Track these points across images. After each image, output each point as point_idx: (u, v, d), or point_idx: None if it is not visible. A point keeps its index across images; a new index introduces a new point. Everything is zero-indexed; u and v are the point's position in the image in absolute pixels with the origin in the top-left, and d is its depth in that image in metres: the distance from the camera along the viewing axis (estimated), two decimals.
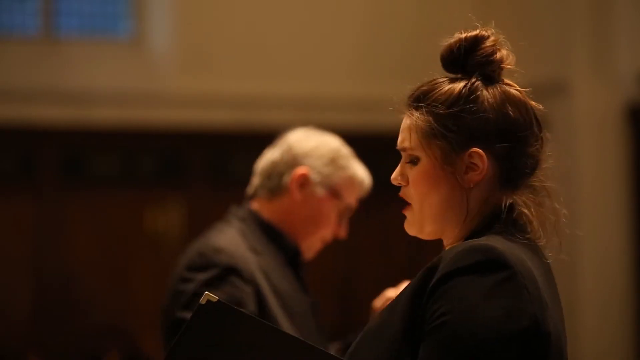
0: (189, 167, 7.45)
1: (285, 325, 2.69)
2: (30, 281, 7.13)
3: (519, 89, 1.87)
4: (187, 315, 2.52)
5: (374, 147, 5.42)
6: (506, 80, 1.87)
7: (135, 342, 6.99)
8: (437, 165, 1.82)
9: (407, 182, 1.86)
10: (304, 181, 2.86)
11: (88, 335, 7.05)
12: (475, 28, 1.86)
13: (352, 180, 2.91)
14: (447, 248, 1.82)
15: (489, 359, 1.63)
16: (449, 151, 1.81)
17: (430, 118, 1.82)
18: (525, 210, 1.83)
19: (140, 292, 7.10)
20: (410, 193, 1.86)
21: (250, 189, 2.93)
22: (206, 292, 1.63)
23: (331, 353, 1.70)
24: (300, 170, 2.86)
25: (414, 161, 1.85)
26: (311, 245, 2.93)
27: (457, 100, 1.82)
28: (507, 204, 1.82)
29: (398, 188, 1.89)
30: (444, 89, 1.84)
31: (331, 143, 2.93)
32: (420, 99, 1.85)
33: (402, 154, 1.87)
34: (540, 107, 1.88)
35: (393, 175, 1.88)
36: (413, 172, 1.85)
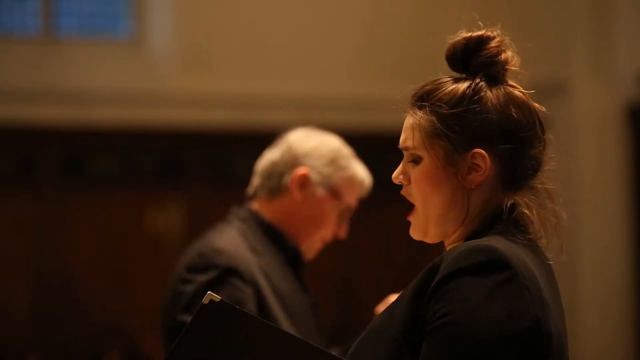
0: (189, 167, 7.45)
1: (286, 325, 2.69)
2: (30, 281, 7.13)
3: (522, 90, 1.87)
4: (187, 318, 2.53)
5: (374, 147, 5.42)
6: (510, 82, 1.87)
7: (135, 342, 6.99)
8: (439, 165, 1.82)
9: (409, 181, 1.86)
10: (304, 181, 2.86)
11: (88, 335, 7.05)
12: (480, 28, 1.86)
13: (352, 181, 2.91)
14: (448, 248, 1.82)
15: (490, 359, 1.63)
16: (451, 151, 1.81)
17: (434, 118, 1.82)
18: (527, 211, 1.83)
19: (140, 292, 7.10)
20: (411, 192, 1.86)
21: (250, 189, 2.93)
22: (209, 292, 1.63)
23: (333, 353, 1.70)
24: (301, 170, 2.86)
25: (416, 160, 1.84)
26: (311, 246, 2.93)
27: (461, 101, 1.82)
28: (508, 205, 1.82)
29: (398, 188, 1.89)
30: (447, 89, 1.83)
31: (331, 143, 2.93)
32: (424, 98, 1.84)
33: (404, 153, 1.87)
34: (543, 109, 1.88)
35: (394, 174, 1.88)
36: (415, 172, 1.85)
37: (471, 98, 1.82)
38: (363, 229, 6.46)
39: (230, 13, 7.39)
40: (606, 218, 6.75)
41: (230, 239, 2.79)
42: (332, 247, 3.18)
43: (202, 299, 1.62)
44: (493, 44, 1.85)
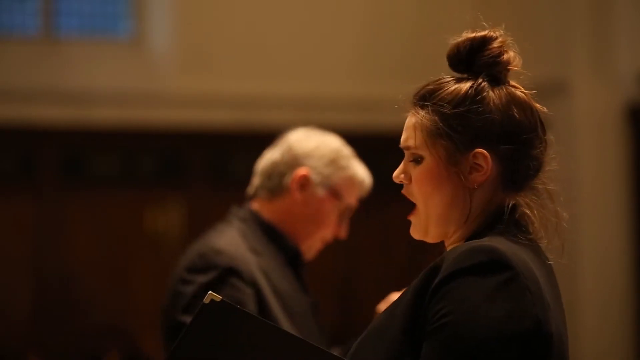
0: (189, 167, 7.45)
1: (286, 325, 2.69)
2: (30, 281, 7.13)
3: (524, 91, 1.86)
4: (187, 318, 2.54)
5: (374, 147, 5.42)
6: (512, 82, 1.87)
7: (135, 342, 6.99)
8: (441, 165, 1.81)
9: (410, 181, 1.86)
10: (305, 182, 2.86)
11: (88, 335, 7.04)
12: (483, 28, 1.86)
13: (352, 181, 2.91)
14: (449, 248, 1.82)
15: (490, 359, 1.63)
16: (453, 151, 1.81)
17: (436, 117, 1.82)
18: (528, 212, 1.83)
19: (140, 292, 7.09)
20: (412, 191, 1.86)
21: (250, 189, 2.93)
22: (210, 292, 1.63)
23: (333, 353, 1.70)
24: (301, 171, 2.86)
25: (418, 160, 1.84)
26: (311, 246, 2.93)
27: (463, 101, 1.82)
28: (509, 205, 1.82)
29: (399, 188, 1.89)
30: (450, 89, 1.83)
31: (332, 143, 2.92)
32: (426, 98, 1.84)
33: (405, 152, 1.87)
34: (545, 109, 1.88)
35: (395, 174, 1.88)
36: (416, 171, 1.85)
37: (474, 98, 1.82)
38: (363, 229, 6.45)
39: (230, 13, 7.39)
40: (606, 218, 6.75)
41: (230, 239, 2.79)
42: (332, 247, 3.18)
43: (202, 300, 1.62)
44: (495, 44, 1.85)
